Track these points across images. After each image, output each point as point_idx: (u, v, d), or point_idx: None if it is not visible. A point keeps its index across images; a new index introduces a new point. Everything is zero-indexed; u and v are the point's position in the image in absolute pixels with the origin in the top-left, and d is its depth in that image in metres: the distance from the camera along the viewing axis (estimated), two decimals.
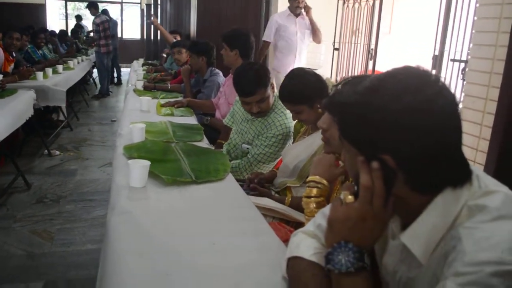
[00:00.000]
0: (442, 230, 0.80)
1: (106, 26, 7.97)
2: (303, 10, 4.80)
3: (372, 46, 5.04)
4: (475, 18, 3.67)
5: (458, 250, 0.73)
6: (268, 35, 4.84)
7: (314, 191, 1.44)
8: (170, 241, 1.27)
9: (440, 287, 0.72)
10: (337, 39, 5.87)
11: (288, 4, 4.86)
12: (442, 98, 0.79)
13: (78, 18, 11.90)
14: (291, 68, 2.66)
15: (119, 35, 11.80)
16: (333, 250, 0.87)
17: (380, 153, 0.81)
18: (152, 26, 8.62)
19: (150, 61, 7.37)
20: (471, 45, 3.72)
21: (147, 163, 1.66)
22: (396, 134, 0.79)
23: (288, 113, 2.29)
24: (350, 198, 0.88)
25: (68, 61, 6.51)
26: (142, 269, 1.12)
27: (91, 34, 8.83)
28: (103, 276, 1.21)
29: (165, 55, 6.21)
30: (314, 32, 4.86)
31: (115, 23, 9.69)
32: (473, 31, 3.67)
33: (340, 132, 0.88)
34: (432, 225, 0.81)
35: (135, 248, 1.23)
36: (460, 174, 0.82)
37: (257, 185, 2.00)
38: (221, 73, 3.73)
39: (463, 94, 3.70)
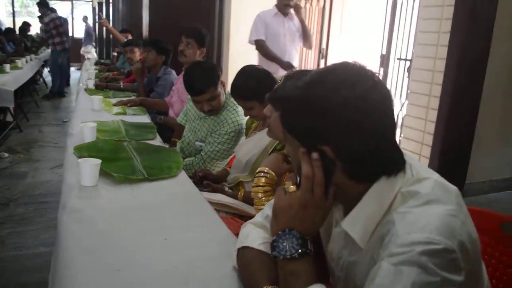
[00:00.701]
0: (379, 215, 0.86)
1: (58, 23, 7.65)
2: (292, 10, 4.07)
3: (324, 46, 5.17)
4: (419, 19, 3.85)
5: (392, 233, 0.80)
6: (258, 33, 3.99)
7: (262, 180, 1.50)
8: (122, 238, 1.28)
9: (377, 267, 0.77)
10: None
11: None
12: (377, 92, 0.85)
13: None
14: (279, 75, 2.50)
15: (69, 34, 11.36)
16: (278, 238, 0.91)
17: (319, 144, 0.86)
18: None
19: (102, 60, 7.22)
20: (415, 44, 3.90)
21: (97, 161, 1.65)
22: (334, 126, 0.84)
23: (240, 110, 2.33)
24: (292, 187, 0.93)
25: (16, 60, 6.29)
26: (94, 267, 1.12)
27: (42, 33, 8.41)
28: (55, 275, 1.21)
29: (115, 54, 6.11)
30: (305, 36, 4.12)
31: (65, 20, 9.32)
32: (417, 32, 3.84)
33: (283, 125, 0.93)
34: (369, 211, 0.87)
35: (86, 246, 1.23)
36: (394, 164, 0.88)
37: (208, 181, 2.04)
38: (174, 72, 3.73)
39: (408, 91, 3.88)
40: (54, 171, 4.16)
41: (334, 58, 5.20)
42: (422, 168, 0.91)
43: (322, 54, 5.13)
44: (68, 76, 9.65)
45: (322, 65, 5.18)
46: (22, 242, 2.80)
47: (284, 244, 0.89)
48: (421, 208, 0.81)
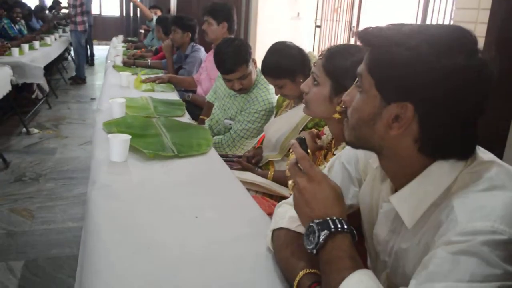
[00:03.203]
0: (433, 197, 0.79)
1: (83, 0, 7.57)
2: None
3: (354, 23, 5.02)
4: None
5: (451, 219, 0.73)
6: None
7: None
8: (151, 215, 1.25)
9: (431, 254, 0.71)
10: (318, 17, 5.83)
11: None
12: (487, 70, 0.76)
13: None
14: None
15: (97, 11, 11.20)
16: (304, 236, 0.87)
17: (403, 99, 0.77)
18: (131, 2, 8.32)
19: (129, 38, 7.21)
20: (451, 22, 3.74)
21: (127, 137, 1.63)
22: (429, 86, 0.75)
23: (271, 88, 2.27)
24: (290, 183, 0.91)
25: (45, 38, 6.34)
26: (123, 244, 1.10)
27: (68, 9, 8.06)
28: (84, 250, 1.19)
29: (142, 31, 6.08)
30: None
31: None
32: (454, 8, 3.68)
33: (368, 68, 0.82)
34: (424, 190, 0.80)
35: (116, 222, 1.21)
36: (468, 148, 0.80)
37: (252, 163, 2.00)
38: (202, 49, 3.69)
39: None
40: (82, 148, 4.20)
41: None
42: (483, 151, 0.83)
43: (353, 32, 4.99)
44: (91, 56, 9.49)
45: None
46: (51, 216, 2.85)
47: (310, 238, 0.85)
48: (483, 194, 0.73)
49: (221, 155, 2.03)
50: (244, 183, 1.72)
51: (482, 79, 0.75)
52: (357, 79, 0.87)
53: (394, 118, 0.79)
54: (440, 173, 0.80)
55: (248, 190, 1.73)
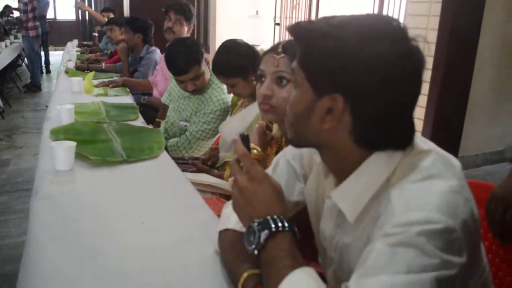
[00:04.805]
0: (373, 189, 0.78)
1: (35, 5, 7.07)
2: None
3: None
4: None
5: (388, 211, 0.72)
6: None
7: None
8: (96, 224, 1.20)
9: (370, 248, 0.70)
10: (277, 14, 5.85)
11: None
12: (415, 58, 0.74)
13: None
14: None
15: (52, 16, 10.71)
16: (245, 235, 0.84)
17: (333, 91, 0.75)
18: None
19: (85, 42, 7.01)
20: (405, 15, 3.80)
21: (72, 144, 1.56)
22: (355, 76, 0.73)
23: (225, 88, 2.23)
24: (230, 181, 0.87)
25: None
26: (63, 255, 1.05)
27: (19, 14, 7.45)
28: (24, 265, 1.13)
29: (96, 34, 5.94)
30: None
31: (46, 3, 8.84)
32: (407, 2, 3.75)
33: (300, 62, 0.80)
34: (363, 184, 0.79)
35: (57, 233, 1.15)
36: (405, 138, 0.79)
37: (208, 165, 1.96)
38: (158, 50, 3.61)
39: None
40: (37, 158, 4.04)
41: None
42: (423, 140, 0.83)
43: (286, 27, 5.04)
44: (47, 63, 9.02)
45: None
46: (5, 231, 2.72)
47: (250, 239, 0.82)
48: (419, 184, 0.73)
49: (178, 158, 1.98)
50: (200, 185, 1.69)
51: (410, 66, 0.74)
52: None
53: (327, 111, 0.77)
54: (378, 164, 0.78)
55: (204, 192, 1.70)
